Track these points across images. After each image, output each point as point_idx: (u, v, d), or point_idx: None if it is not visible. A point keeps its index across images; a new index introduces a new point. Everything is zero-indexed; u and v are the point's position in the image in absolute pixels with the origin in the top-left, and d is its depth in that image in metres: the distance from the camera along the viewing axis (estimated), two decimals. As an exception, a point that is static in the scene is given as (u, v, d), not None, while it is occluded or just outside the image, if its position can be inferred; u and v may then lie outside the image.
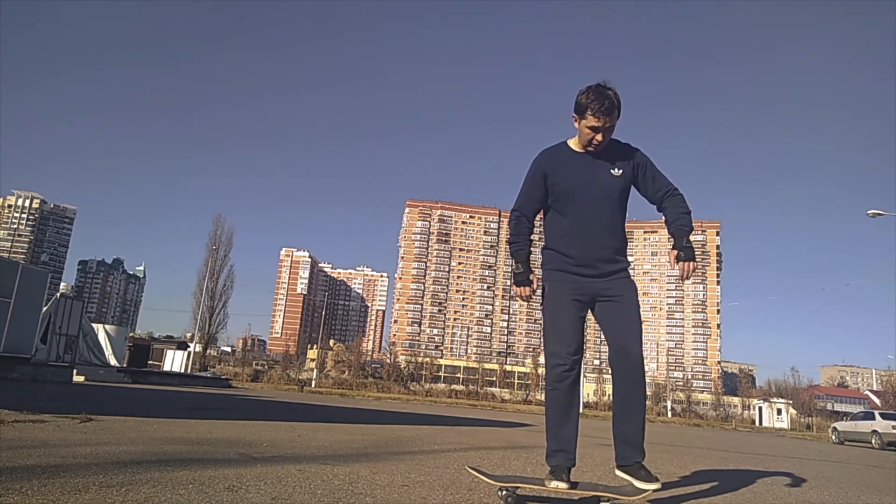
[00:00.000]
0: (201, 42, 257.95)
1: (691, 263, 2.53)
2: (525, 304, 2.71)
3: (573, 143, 2.65)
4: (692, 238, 2.63)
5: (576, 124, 2.57)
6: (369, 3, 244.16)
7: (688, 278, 2.58)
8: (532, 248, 2.74)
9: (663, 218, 2.69)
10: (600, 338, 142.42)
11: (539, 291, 2.69)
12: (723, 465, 6.01)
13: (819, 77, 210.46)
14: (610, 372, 2.59)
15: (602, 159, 2.60)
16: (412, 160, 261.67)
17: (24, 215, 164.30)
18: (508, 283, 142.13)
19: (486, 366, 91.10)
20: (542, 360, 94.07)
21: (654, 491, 2.44)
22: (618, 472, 2.54)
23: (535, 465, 4.41)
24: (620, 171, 2.60)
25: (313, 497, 2.40)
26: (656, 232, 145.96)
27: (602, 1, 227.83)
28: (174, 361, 32.00)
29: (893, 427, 19.37)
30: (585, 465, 4.71)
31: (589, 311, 2.68)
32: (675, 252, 2.57)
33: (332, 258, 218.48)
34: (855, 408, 66.21)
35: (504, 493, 2.46)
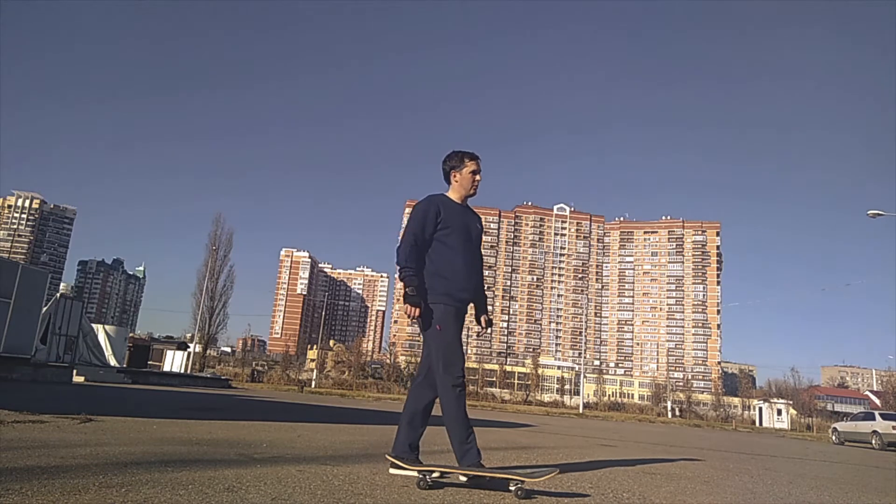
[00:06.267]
0: (200, 40, 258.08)
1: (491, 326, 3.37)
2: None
3: (452, 196, 3.27)
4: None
5: (456, 178, 3.24)
6: (370, 1, 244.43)
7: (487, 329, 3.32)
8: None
9: None
10: (599, 339, 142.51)
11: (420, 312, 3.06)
12: (723, 465, 6.00)
13: (820, 75, 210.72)
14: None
15: (470, 213, 3.31)
16: (412, 160, 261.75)
17: (24, 215, 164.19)
18: (508, 283, 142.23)
19: (486, 366, 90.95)
20: (542, 360, 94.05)
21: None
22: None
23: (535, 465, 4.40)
24: (480, 227, 3.35)
25: (313, 497, 2.40)
26: (656, 232, 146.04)
27: (610, 2, 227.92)
28: (174, 362, 31.98)
29: (893, 427, 19.33)
30: (585, 463, 4.72)
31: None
32: (486, 317, 3.31)
33: (332, 258, 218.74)
34: (855, 408, 66.18)
35: (418, 475, 2.86)
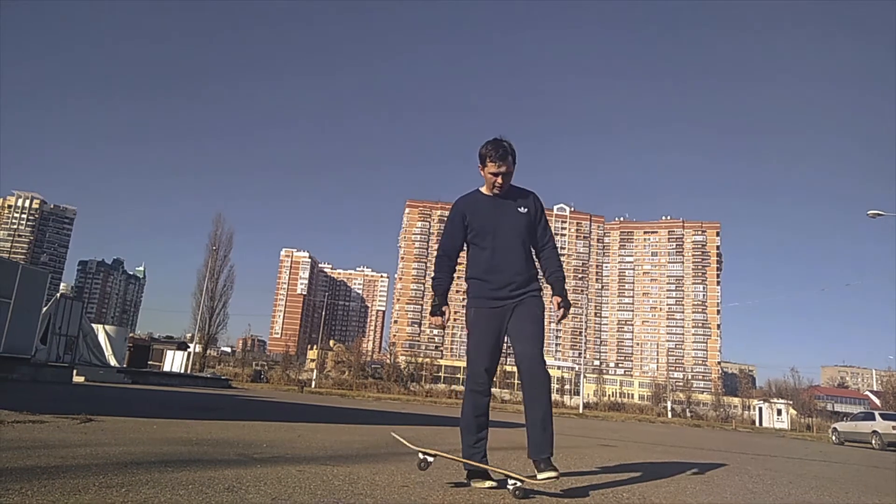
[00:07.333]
0: (200, 40, 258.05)
1: (569, 310, 3.14)
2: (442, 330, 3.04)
3: (485, 190, 3.19)
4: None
5: (482, 172, 3.13)
6: (371, 1, 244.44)
7: (563, 319, 3.11)
8: (453, 283, 3.25)
9: (540, 264, 3.30)
10: (600, 339, 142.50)
11: (451, 321, 3.12)
12: (724, 465, 6.00)
13: (820, 75, 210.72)
14: (518, 375, 3.04)
15: (509, 200, 3.16)
16: (412, 160, 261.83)
17: (24, 216, 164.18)
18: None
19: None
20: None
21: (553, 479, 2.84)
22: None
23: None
24: (526, 209, 3.16)
25: (313, 497, 2.40)
26: (656, 233, 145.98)
27: (610, 2, 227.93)
28: (174, 362, 31.98)
29: (893, 427, 19.33)
30: (584, 463, 4.71)
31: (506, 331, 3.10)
32: (558, 299, 3.12)
33: (332, 258, 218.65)
34: (855, 408, 66.10)
35: (420, 457, 2.98)
